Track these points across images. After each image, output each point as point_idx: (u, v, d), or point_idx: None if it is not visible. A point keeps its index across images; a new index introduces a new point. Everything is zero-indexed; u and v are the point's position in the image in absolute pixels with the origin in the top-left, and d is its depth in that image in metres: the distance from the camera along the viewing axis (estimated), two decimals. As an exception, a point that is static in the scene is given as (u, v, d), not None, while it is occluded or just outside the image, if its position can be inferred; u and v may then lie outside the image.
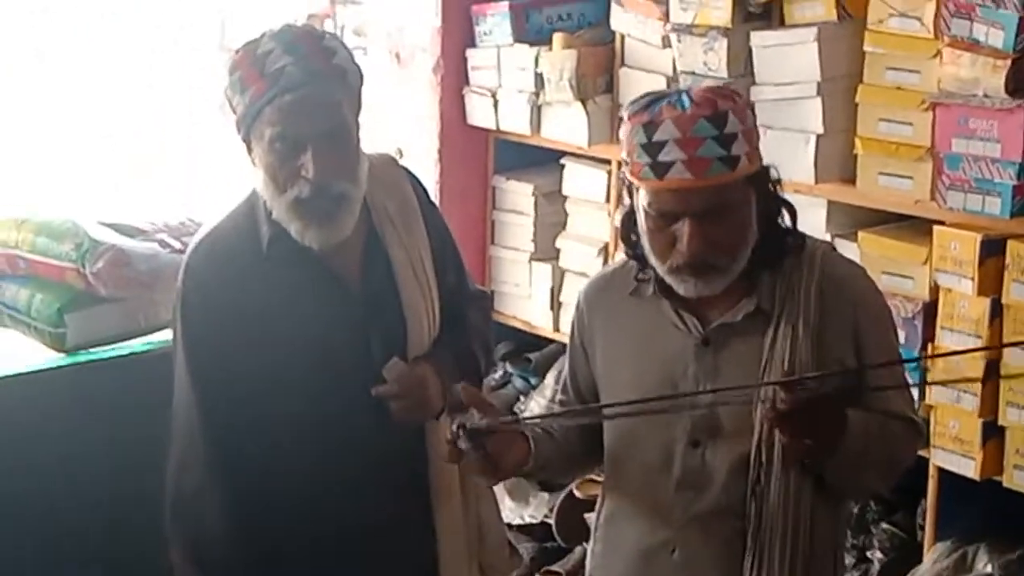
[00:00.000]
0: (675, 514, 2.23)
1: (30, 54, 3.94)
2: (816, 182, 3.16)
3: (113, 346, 2.96)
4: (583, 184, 3.83)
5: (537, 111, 3.84)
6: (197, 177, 4.15)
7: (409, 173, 2.58)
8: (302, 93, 2.26)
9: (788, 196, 3.09)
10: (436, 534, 2.50)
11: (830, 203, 3.20)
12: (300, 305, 2.37)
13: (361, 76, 2.39)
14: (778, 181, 2.25)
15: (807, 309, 2.19)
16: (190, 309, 2.38)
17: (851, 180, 3.13)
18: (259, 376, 2.34)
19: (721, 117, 2.12)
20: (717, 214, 2.13)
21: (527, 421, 2.30)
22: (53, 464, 2.77)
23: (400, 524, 2.47)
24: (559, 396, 2.46)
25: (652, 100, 2.16)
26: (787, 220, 2.26)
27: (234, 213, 2.42)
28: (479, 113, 3.98)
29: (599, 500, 2.41)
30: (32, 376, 2.88)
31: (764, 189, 2.21)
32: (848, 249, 3.13)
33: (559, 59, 3.71)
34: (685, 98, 2.13)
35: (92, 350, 2.95)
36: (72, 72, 3.99)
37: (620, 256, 2.40)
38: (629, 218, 2.22)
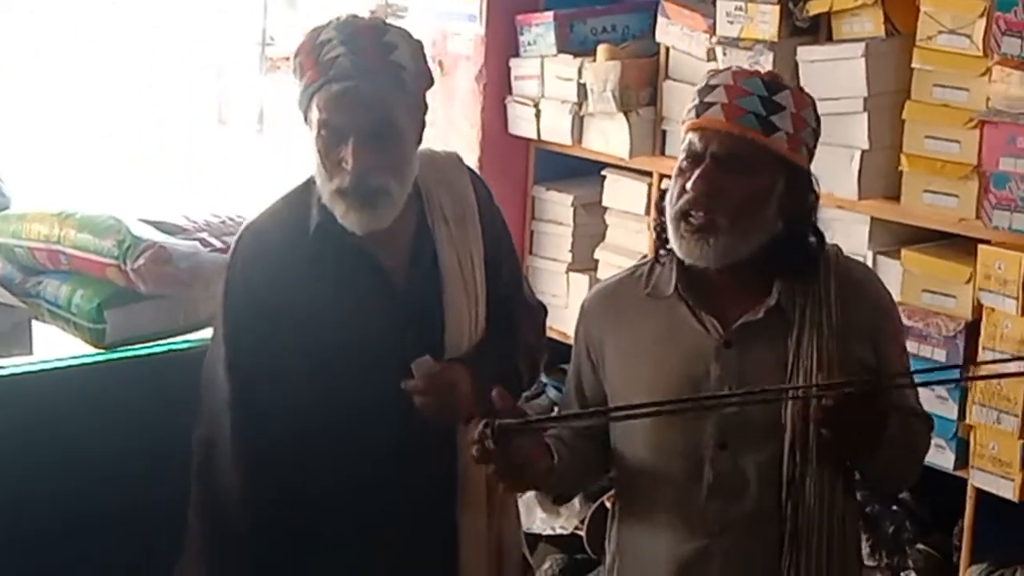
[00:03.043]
0: (709, 521, 2.22)
1: (28, 52, 3.97)
2: (860, 198, 3.14)
3: (152, 343, 2.97)
4: (623, 196, 3.82)
5: (579, 122, 3.83)
6: (196, 176, 4.17)
7: (473, 174, 2.58)
8: (348, 86, 2.29)
9: (831, 211, 3.15)
10: (458, 543, 2.48)
11: (873, 220, 3.18)
12: (340, 291, 2.38)
13: (426, 77, 2.40)
14: (816, 195, 2.25)
15: (829, 309, 2.20)
16: (235, 284, 2.43)
17: (895, 197, 3.12)
18: (293, 357, 2.36)
19: (775, 86, 2.18)
20: (733, 167, 2.14)
21: (555, 420, 2.28)
22: (90, 459, 2.77)
23: (421, 527, 2.45)
24: (560, 409, 2.44)
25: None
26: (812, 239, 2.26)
27: (289, 196, 2.47)
28: (521, 123, 3.98)
29: (612, 512, 2.39)
30: (71, 371, 2.88)
31: (796, 187, 2.20)
32: (891, 266, 3.12)
33: (603, 70, 3.71)
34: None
35: (131, 347, 2.95)
36: (71, 70, 4.01)
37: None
38: (664, 194, 2.25)
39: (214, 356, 2.46)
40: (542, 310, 2.72)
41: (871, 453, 2.13)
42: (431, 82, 2.43)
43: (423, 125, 2.43)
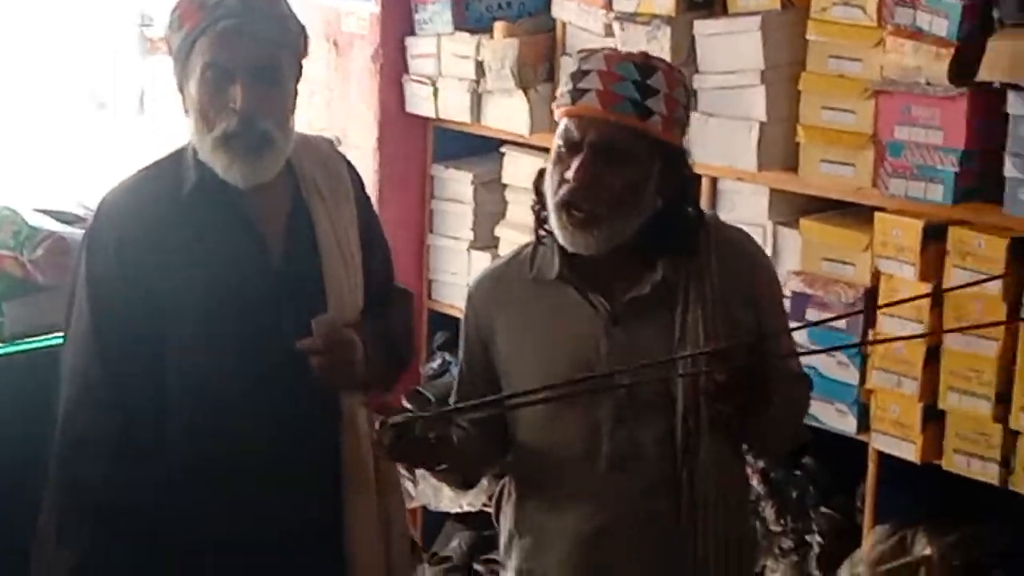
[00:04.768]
0: (609, 495, 2.25)
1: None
2: (759, 170, 3.18)
3: (51, 335, 2.91)
4: (523, 173, 3.82)
5: (477, 99, 3.83)
6: (76, 161, 4.09)
7: (345, 160, 2.58)
8: (237, 22, 2.28)
9: (730, 183, 3.20)
10: (343, 521, 2.45)
11: (772, 191, 3.23)
12: (216, 254, 2.34)
13: (306, 38, 2.40)
14: (691, 172, 2.29)
15: (710, 276, 2.24)
16: (100, 244, 2.35)
17: (793, 168, 3.16)
18: (164, 320, 2.32)
19: (648, 69, 2.19)
20: (612, 157, 2.17)
21: (451, 413, 2.27)
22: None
23: (306, 506, 2.42)
24: (454, 396, 2.42)
25: (602, 48, 2.28)
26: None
27: (158, 162, 2.43)
28: (418, 101, 3.96)
29: (507, 493, 2.40)
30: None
31: (673, 167, 2.23)
32: (790, 236, 3.17)
33: (500, 47, 3.70)
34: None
35: (30, 339, 2.89)
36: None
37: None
38: (542, 174, 2.27)
39: (78, 333, 2.36)
40: (411, 295, 2.75)
41: (758, 418, 2.17)
42: (307, 49, 2.43)
43: (297, 92, 2.41)
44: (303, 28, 2.41)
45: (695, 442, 2.21)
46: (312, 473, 2.42)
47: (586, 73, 2.18)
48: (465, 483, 2.51)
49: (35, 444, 2.70)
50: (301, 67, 2.42)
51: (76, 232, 2.87)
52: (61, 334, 2.89)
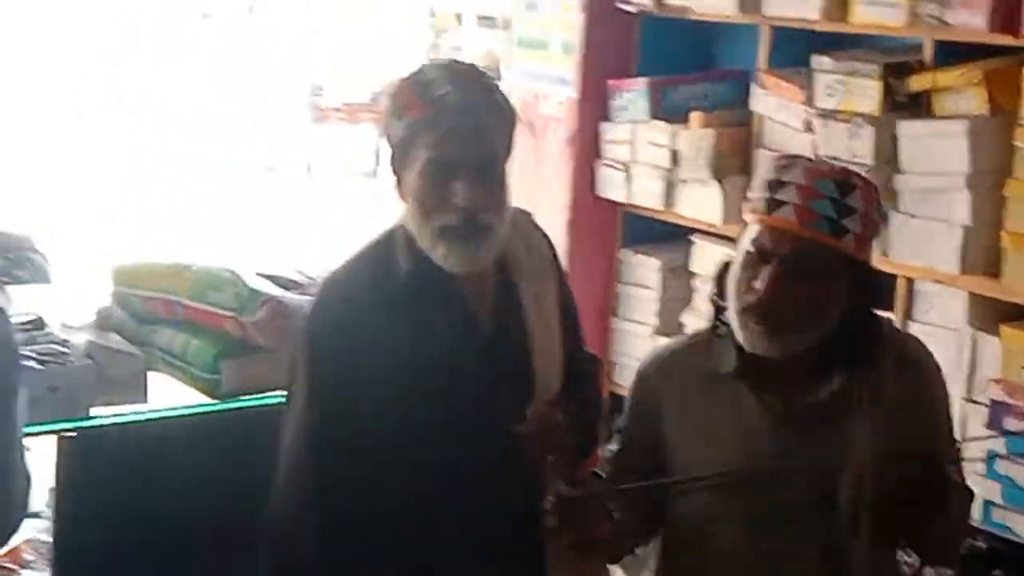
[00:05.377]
0: None
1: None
2: (961, 273, 3.17)
3: (264, 395, 3.02)
4: (712, 262, 3.84)
5: (670, 187, 3.89)
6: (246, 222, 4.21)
7: (544, 234, 2.62)
8: (460, 120, 2.31)
9: (929, 285, 3.18)
10: None
11: (971, 295, 3.21)
12: (432, 337, 2.38)
13: (516, 119, 2.44)
14: (876, 282, 2.29)
15: (886, 389, 2.23)
16: (319, 328, 2.40)
17: (995, 273, 3.14)
18: (379, 400, 2.35)
19: (847, 186, 2.19)
20: (804, 272, 2.16)
21: (619, 492, 2.28)
22: (201, 507, 2.82)
23: None
24: (610, 467, 2.43)
25: (798, 156, 2.30)
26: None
27: (368, 248, 2.47)
28: (610, 186, 4.04)
29: (657, 570, 2.41)
30: (185, 420, 2.94)
31: (861, 282, 2.22)
32: (989, 343, 3.14)
33: (697, 137, 3.77)
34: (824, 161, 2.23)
35: (245, 398, 3.00)
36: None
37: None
38: (726, 267, 2.28)
39: (294, 413, 2.43)
40: (598, 360, 2.77)
41: (920, 530, 2.17)
42: (516, 126, 2.46)
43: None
44: (515, 114, 2.46)
45: (855, 548, 2.19)
46: (520, 558, 2.45)
47: (784, 184, 2.18)
48: (613, 558, 2.53)
49: (245, 500, 2.81)
50: (512, 145, 2.45)
51: (294, 297, 2.98)
52: (275, 394, 3.02)
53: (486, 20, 9.61)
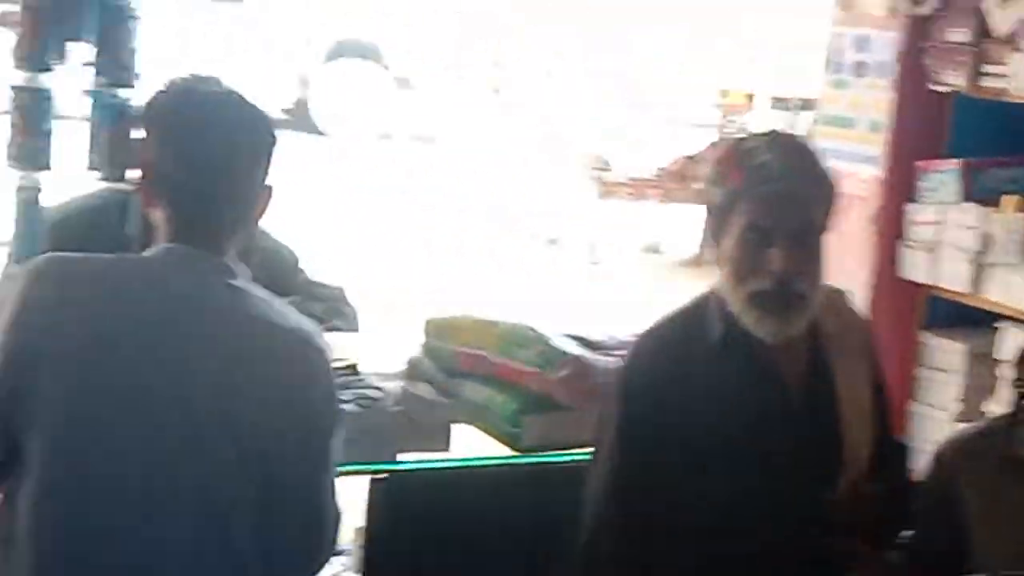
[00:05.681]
0: None
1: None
2: None
3: (564, 451, 3.06)
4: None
5: (978, 271, 3.79)
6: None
7: (859, 313, 2.62)
8: (779, 186, 2.35)
9: None
10: None
11: None
12: (742, 401, 2.40)
13: (837, 192, 2.45)
14: None
15: None
16: (634, 387, 2.46)
17: None
18: (688, 460, 2.37)
19: None
20: None
21: None
22: (498, 553, 2.88)
23: None
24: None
25: None
26: None
27: (681, 311, 2.52)
28: (914, 268, 3.97)
29: None
30: (490, 470, 3.02)
31: None
32: None
33: (1011, 221, 3.68)
34: None
35: (544, 453, 3.06)
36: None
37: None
38: None
39: (602, 468, 2.49)
40: (910, 450, 2.69)
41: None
42: (836, 202, 2.48)
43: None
44: (836, 187, 2.48)
45: None
46: None
47: None
48: None
49: (541, 551, 2.87)
50: (830, 222, 2.48)
51: (597, 358, 3.03)
52: (574, 451, 3.07)
53: (780, 102, 9.63)
